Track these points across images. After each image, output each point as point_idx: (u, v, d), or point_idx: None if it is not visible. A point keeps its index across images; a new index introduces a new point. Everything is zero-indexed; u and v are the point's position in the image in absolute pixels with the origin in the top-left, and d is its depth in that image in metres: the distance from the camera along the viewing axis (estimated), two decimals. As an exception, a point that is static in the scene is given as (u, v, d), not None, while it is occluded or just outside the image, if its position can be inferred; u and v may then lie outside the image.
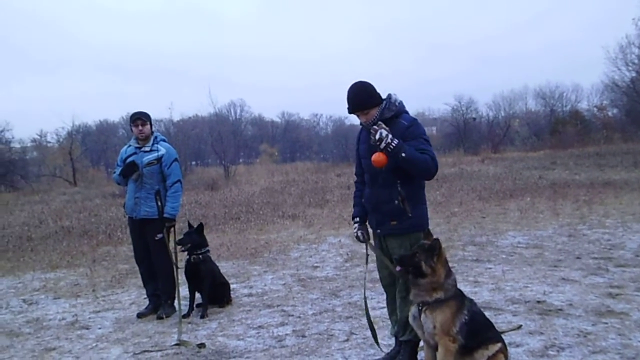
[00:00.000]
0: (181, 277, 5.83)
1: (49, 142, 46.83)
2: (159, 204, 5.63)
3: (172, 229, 5.76)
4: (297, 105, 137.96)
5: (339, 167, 27.22)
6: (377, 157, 3.57)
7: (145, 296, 6.03)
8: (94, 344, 4.92)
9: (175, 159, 5.81)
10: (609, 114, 38.71)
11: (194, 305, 5.77)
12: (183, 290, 5.94)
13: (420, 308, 3.43)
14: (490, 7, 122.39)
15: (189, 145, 37.18)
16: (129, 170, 5.64)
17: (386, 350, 4.08)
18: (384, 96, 3.85)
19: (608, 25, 78.41)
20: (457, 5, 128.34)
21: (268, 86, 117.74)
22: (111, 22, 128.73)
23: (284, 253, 8.70)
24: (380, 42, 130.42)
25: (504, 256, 7.42)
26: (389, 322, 4.19)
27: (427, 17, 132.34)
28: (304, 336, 4.76)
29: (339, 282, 6.64)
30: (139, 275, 6.20)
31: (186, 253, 5.76)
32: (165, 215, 5.61)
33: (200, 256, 5.76)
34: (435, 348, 3.45)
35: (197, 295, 5.84)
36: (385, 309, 4.27)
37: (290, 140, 76.31)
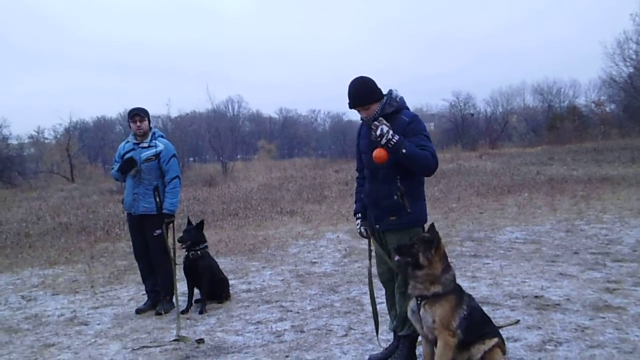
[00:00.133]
0: (180, 273, 5.84)
1: (47, 139, 46.85)
2: (158, 199, 5.63)
3: (171, 225, 5.77)
4: (295, 102, 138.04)
5: (337, 163, 27.23)
6: (378, 153, 3.57)
7: (144, 292, 6.03)
8: (93, 340, 4.92)
9: (174, 155, 5.81)
10: (607, 109, 38.76)
11: (193, 301, 5.77)
12: (182, 286, 5.95)
13: (419, 302, 3.44)
14: (488, 3, 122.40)
15: (187, 142, 37.08)
16: (127, 166, 5.64)
17: (385, 345, 4.10)
18: (384, 92, 3.85)
19: (606, 20, 78.66)
20: (455, 2, 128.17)
21: (266, 82, 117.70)
22: (109, 18, 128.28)
23: (282, 249, 8.70)
24: (378, 38, 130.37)
25: (501, 251, 7.44)
26: (388, 317, 4.20)
27: (425, 13, 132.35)
28: (302, 331, 4.77)
29: (337, 277, 6.66)
30: (138, 272, 6.20)
31: (184, 249, 5.77)
32: (164, 211, 5.62)
33: (199, 252, 5.77)
34: (433, 343, 3.46)
35: (196, 291, 5.85)
36: (384, 304, 4.28)
37: (288, 136, 76.26)
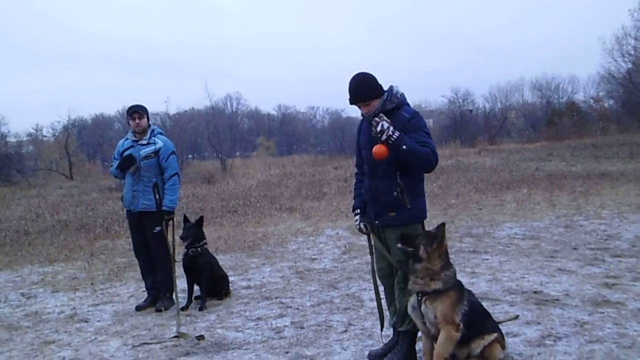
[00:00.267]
0: (179, 270, 5.84)
1: (45, 136, 46.74)
2: (157, 196, 5.64)
3: (171, 222, 5.77)
4: (293, 98, 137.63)
5: (336, 160, 27.25)
6: (378, 149, 3.58)
7: (144, 289, 6.05)
8: (93, 337, 4.93)
9: (173, 152, 5.81)
10: (605, 105, 38.81)
11: (193, 298, 5.78)
12: (181, 283, 5.96)
13: (419, 298, 3.46)
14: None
15: (186, 139, 37.07)
16: (127, 163, 5.64)
17: (385, 340, 4.11)
18: (385, 88, 3.86)
19: (604, 16, 78.51)
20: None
21: (264, 79, 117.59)
22: (107, 15, 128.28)
23: (281, 245, 8.71)
24: (377, 34, 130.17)
25: (500, 247, 7.45)
26: (387, 313, 4.21)
27: (423, 9, 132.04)
28: (302, 327, 4.78)
29: (337, 274, 6.67)
30: (137, 269, 6.22)
31: (184, 246, 5.77)
32: (163, 208, 5.62)
33: (199, 249, 5.78)
34: (434, 338, 3.47)
35: (196, 287, 5.86)
36: (383, 301, 4.28)
37: (287, 133, 76.22)
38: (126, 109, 5.89)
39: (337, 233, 9.38)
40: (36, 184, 27.03)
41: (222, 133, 31.60)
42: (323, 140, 65.26)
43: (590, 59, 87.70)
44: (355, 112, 3.94)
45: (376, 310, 4.21)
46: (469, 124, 42.73)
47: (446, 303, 3.38)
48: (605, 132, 29.61)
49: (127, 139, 5.83)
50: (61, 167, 34.43)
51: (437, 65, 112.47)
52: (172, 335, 4.78)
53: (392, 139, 3.53)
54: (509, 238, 8.01)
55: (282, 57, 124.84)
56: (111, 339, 4.86)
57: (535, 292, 5.26)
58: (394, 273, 3.96)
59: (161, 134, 5.90)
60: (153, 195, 5.64)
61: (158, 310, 5.59)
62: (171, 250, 5.67)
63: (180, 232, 5.81)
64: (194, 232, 5.78)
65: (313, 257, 7.74)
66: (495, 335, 3.50)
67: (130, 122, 5.72)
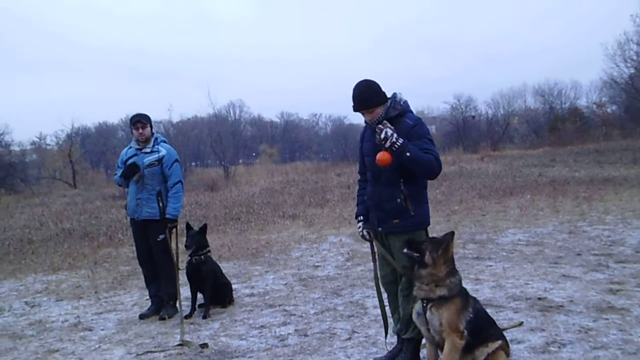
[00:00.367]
0: (183, 278, 5.85)
1: (49, 145, 47.01)
2: (161, 204, 5.65)
3: (174, 230, 5.78)
4: (296, 105, 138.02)
5: (339, 167, 27.23)
6: (382, 156, 3.59)
7: (148, 297, 6.05)
8: (97, 346, 4.93)
9: (176, 160, 5.83)
10: (608, 110, 38.78)
11: (196, 306, 5.78)
12: (185, 291, 5.96)
13: (424, 305, 3.45)
14: (489, 6, 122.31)
15: (189, 147, 37.20)
16: (130, 171, 5.66)
17: (389, 348, 4.10)
18: (389, 95, 3.87)
19: (606, 22, 78.53)
20: (455, 6, 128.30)
21: (267, 87, 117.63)
22: (110, 25, 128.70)
23: (285, 253, 8.71)
24: (379, 42, 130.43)
25: (504, 253, 7.43)
26: (391, 321, 4.21)
27: (425, 16, 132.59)
28: (306, 335, 4.77)
29: (341, 281, 6.66)
30: (141, 277, 6.22)
31: (188, 254, 5.78)
32: (167, 216, 5.63)
33: (202, 257, 5.78)
34: (438, 345, 3.47)
35: (200, 295, 5.86)
36: (387, 308, 4.28)
37: (289, 140, 76.34)
38: (129, 117, 5.92)
39: (341, 240, 9.37)
40: (40, 193, 27.10)
41: (225, 140, 31.67)
42: (326, 147, 65.31)
43: (593, 65, 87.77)
44: (357, 118, 3.98)
45: (380, 317, 4.21)
46: (471, 130, 42.70)
47: (451, 310, 3.37)
48: (608, 137, 29.55)
49: (130, 147, 5.86)
50: (65, 175, 34.54)
51: (440, 73, 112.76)
52: (176, 344, 4.78)
53: (395, 145, 3.54)
54: (513, 244, 8.00)
55: (283, 67, 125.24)
56: (115, 347, 4.86)
57: (539, 298, 5.25)
58: (398, 280, 3.96)
59: (164, 142, 5.93)
60: (157, 203, 5.66)
61: (162, 319, 5.59)
62: (175, 258, 5.68)
63: (184, 239, 5.82)
64: (198, 240, 5.79)
65: (316, 264, 7.74)
66: (499, 342, 3.49)
67: (134, 131, 5.74)
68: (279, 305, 5.78)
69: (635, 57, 29.33)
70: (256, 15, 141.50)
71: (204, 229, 5.91)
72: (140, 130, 5.69)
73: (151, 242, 5.72)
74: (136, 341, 4.98)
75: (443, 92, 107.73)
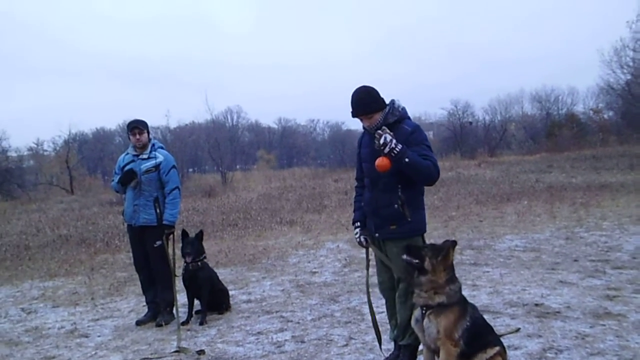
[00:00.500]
0: (179, 284, 5.84)
1: (46, 151, 46.84)
2: (158, 211, 5.65)
3: (171, 236, 5.78)
4: (293, 111, 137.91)
5: (337, 173, 27.25)
6: (381, 162, 3.60)
7: (144, 304, 6.04)
8: (94, 352, 4.92)
9: (173, 166, 5.83)
10: (605, 116, 38.82)
11: (193, 312, 5.77)
12: (182, 297, 5.95)
13: (423, 312, 3.45)
14: (486, 12, 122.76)
15: (186, 152, 37.07)
16: (128, 178, 5.66)
17: (385, 354, 4.09)
18: (387, 101, 3.89)
19: (603, 28, 78.71)
20: (453, 11, 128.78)
21: (264, 93, 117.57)
22: (108, 30, 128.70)
23: (282, 259, 8.70)
24: (377, 48, 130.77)
25: (501, 259, 7.44)
26: (388, 327, 4.21)
27: (422, 23, 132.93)
28: (303, 342, 4.77)
29: (338, 287, 6.66)
30: (138, 283, 6.21)
31: (184, 260, 5.77)
32: (164, 222, 5.63)
33: (199, 263, 5.77)
34: (435, 352, 3.46)
35: (196, 302, 5.85)
36: (384, 314, 4.28)
37: (287, 146, 76.33)
38: (127, 123, 5.93)
39: (338, 246, 9.37)
40: (37, 199, 27.00)
41: (223, 146, 31.58)
42: (323, 153, 65.24)
43: (590, 71, 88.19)
44: (355, 124, 4.00)
45: (377, 323, 4.20)
46: (469, 136, 42.70)
47: (449, 318, 3.37)
48: (605, 143, 29.66)
49: (127, 153, 5.86)
50: (62, 181, 34.43)
51: (437, 79, 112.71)
52: (172, 350, 4.77)
53: (394, 151, 3.56)
54: (510, 250, 8.01)
55: (281, 71, 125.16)
56: (112, 354, 4.85)
57: (536, 304, 5.25)
58: (395, 286, 3.97)
59: (162, 148, 5.94)
60: (154, 209, 5.65)
61: (158, 325, 5.57)
62: (172, 265, 5.67)
63: (180, 245, 5.81)
64: (194, 247, 5.77)
65: (314, 270, 7.73)
66: (497, 349, 3.48)
67: (131, 137, 5.74)
68: (276, 312, 5.77)
69: (631, 64, 29.36)
70: (254, 21, 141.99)
71: (200, 235, 5.91)
72: (138, 136, 5.70)
73: (148, 249, 5.71)
74: (133, 348, 4.97)
75: (440, 98, 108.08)
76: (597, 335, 4.31)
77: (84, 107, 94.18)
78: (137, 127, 5.70)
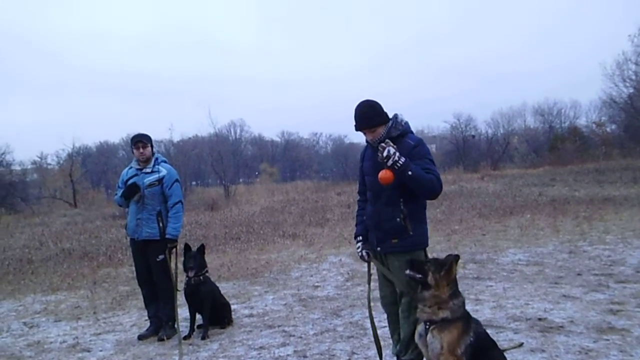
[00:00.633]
0: (181, 299, 5.83)
1: (49, 164, 47.04)
2: (161, 224, 5.66)
3: (174, 250, 5.78)
4: (296, 125, 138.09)
5: (339, 186, 27.27)
6: (384, 174, 3.62)
7: (146, 318, 6.02)
8: (95, 367, 4.91)
9: (177, 180, 5.85)
10: (608, 130, 38.85)
11: (195, 327, 5.76)
12: (184, 311, 5.94)
13: (427, 327, 3.44)
14: (489, 27, 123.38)
15: (189, 166, 37.27)
16: (131, 191, 5.68)
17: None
18: (390, 115, 3.91)
19: (605, 42, 79.07)
20: (455, 26, 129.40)
21: (267, 107, 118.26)
22: (110, 46, 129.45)
23: (284, 273, 8.69)
24: (380, 62, 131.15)
25: (504, 274, 7.41)
26: (391, 342, 4.19)
27: (425, 37, 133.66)
28: (305, 357, 4.74)
29: (340, 301, 6.64)
30: (140, 297, 6.20)
31: (186, 275, 5.76)
32: (167, 236, 5.64)
33: (200, 277, 5.77)
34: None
35: (198, 316, 5.83)
36: (386, 328, 4.26)
37: (290, 159, 76.53)
38: (130, 137, 5.96)
39: (341, 260, 9.35)
40: (40, 212, 27.09)
41: (226, 160, 31.75)
42: (326, 166, 65.35)
43: (592, 84, 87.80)
44: (358, 137, 4.02)
45: (379, 338, 4.19)
46: (471, 150, 42.83)
47: (453, 334, 3.35)
48: (608, 156, 29.65)
49: (131, 167, 5.89)
50: (65, 195, 34.56)
51: (440, 93, 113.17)
52: (174, 365, 4.75)
53: (398, 164, 3.58)
54: (513, 264, 7.98)
55: (284, 84, 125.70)
56: (113, 368, 4.83)
57: (539, 319, 5.23)
58: (398, 301, 3.96)
59: (165, 162, 5.96)
60: (157, 223, 5.66)
61: (160, 340, 5.55)
62: (174, 279, 5.67)
63: (182, 260, 5.80)
64: (196, 261, 5.77)
65: (316, 284, 7.71)
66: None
67: (135, 151, 5.78)
68: (278, 326, 5.75)
69: (633, 77, 29.49)
70: (257, 35, 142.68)
71: (202, 249, 5.91)
72: (141, 150, 5.73)
73: (151, 263, 5.71)
74: (134, 362, 4.95)
75: (443, 112, 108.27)
76: (600, 350, 4.29)
77: (87, 121, 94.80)
78: (140, 141, 5.74)
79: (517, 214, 13.45)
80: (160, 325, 5.74)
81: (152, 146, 5.85)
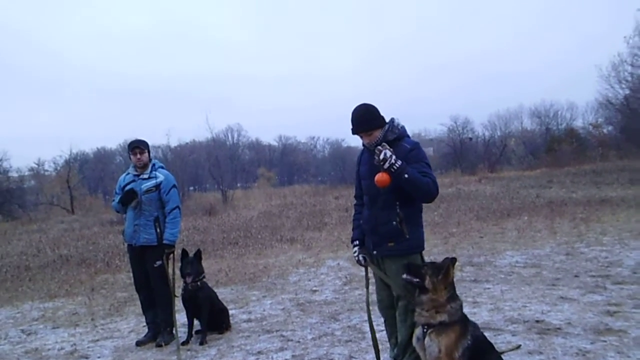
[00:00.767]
0: (179, 304, 5.83)
1: (47, 171, 47.00)
2: (158, 230, 5.66)
3: (171, 256, 5.78)
4: (294, 128, 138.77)
5: (337, 190, 27.27)
6: (381, 177, 3.64)
7: (144, 324, 6.01)
8: (93, 374, 4.90)
9: (174, 186, 5.86)
10: (604, 131, 38.90)
11: (193, 332, 5.75)
12: (181, 317, 5.93)
13: (425, 330, 3.45)
14: (485, 27, 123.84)
15: (187, 171, 37.25)
16: (128, 197, 5.68)
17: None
18: (386, 119, 3.93)
19: (601, 43, 79.34)
20: (451, 26, 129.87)
21: (265, 107, 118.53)
22: (108, 48, 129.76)
23: (282, 277, 8.69)
24: (375, 64, 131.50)
25: (502, 276, 7.43)
26: (388, 345, 4.19)
27: (421, 37, 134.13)
28: (303, 361, 4.75)
29: (338, 305, 6.64)
30: (138, 303, 6.19)
31: (183, 281, 5.76)
32: (164, 241, 5.64)
33: (198, 283, 5.77)
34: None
35: (196, 322, 5.83)
36: (384, 332, 4.27)
37: (287, 163, 76.58)
38: (128, 143, 5.97)
39: (338, 264, 9.35)
40: (37, 219, 27.02)
41: (223, 164, 31.77)
42: (324, 170, 65.44)
43: (588, 86, 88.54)
44: (355, 141, 4.04)
45: (377, 342, 4.19)
46: (468, 152, 42.83)
47: (450, 337, 3.36)
48: (605, 158, 29.71)
49: (128, 173, 5.89)
50: (63, 201, 34.49)
51: (436, 94, 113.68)
52: (172, 371, 4.75)
53: (394, 167, 3.59)
54: (510, 266, 7.99)
55: (281, 88, 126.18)
56: (111, 375, 4.83)
57: (537, 321, 5.23)
58: (395, 305, 3.97)
59: (162, 167, 5.97)
60: (154, 229, 5.66)
61: (158, 346, 5.55)
62: (171, 285, 5.67)
63: (179, 265, 5.80)
64: (195, 267, 5.77)
65: (314, 288, 7.71)
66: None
67: (132, 157, 5.78)
68: (277, 331, 5.75)
69: (629, 78, 29.57)
70: (255, 37, 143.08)
71: (198, 254, 5.90)
72: (138, 156, 5.74)
73: (148, 268, 5.71)
74: (133, 369, 4.95)
75: (439, 114, 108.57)
76: (598, 351, 4.30)
77: (85, 127, 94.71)
78: (138, 146, 5.75)
79: (515, 216, 13.47)
80: (159, 331, 5.74)
81: (149, 152, 5.87)
